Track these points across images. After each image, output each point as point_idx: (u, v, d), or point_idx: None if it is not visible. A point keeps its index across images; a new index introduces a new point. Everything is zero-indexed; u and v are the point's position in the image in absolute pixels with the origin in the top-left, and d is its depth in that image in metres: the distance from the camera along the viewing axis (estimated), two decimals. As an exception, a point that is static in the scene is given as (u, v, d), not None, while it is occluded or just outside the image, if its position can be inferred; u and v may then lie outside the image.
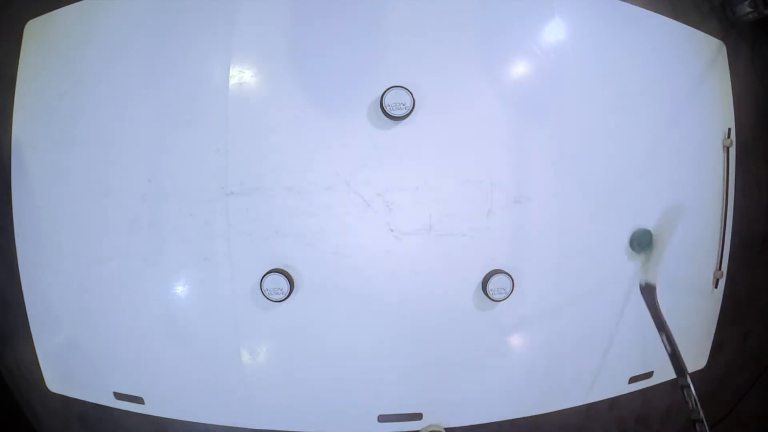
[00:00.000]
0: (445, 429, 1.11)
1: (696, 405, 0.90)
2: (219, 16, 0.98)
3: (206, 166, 0.98)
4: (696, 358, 1.27)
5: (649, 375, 1.21)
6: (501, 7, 1.01)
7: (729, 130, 1.19)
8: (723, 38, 1.19)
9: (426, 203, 1.01)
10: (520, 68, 1.02)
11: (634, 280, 1.13)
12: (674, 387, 1.26)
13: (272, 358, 1.05)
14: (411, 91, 0.94)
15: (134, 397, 1.11)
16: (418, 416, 1.11)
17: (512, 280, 1.02)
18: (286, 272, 0.99)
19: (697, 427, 0.87)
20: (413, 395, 1.10)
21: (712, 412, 1.34)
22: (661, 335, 1.01)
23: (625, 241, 1.11)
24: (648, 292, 1.08)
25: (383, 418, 1.10)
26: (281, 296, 0.98)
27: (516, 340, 1.10)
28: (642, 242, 1.09)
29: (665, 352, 0.99)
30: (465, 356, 1.09)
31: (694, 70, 1.15)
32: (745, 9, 1.17)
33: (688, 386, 0.93)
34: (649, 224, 1.11)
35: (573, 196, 1.05)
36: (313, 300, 1.02)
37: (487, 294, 1.02)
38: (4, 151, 1.06)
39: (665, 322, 1.01)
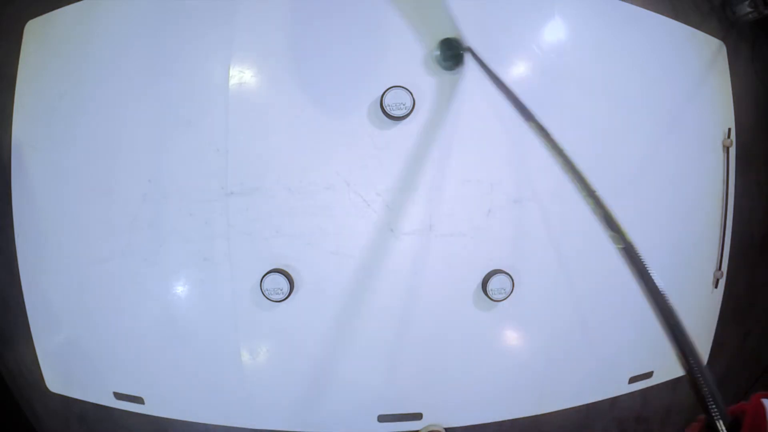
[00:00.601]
0: (445, 429, 1.11)
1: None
2: (219, 16, 0.98)
3: (206, 166, 0.98)
4: (696, 358, 1.27)
5: (649, 375, 1.21)
6: (501, 7, 1.01)
7: (729, 130, 1.19)
8: (723, 38, 1.19)
9: (426, 203, 1.01)
10: (520, 68, 1.02)
11: (633, 280, 1.13)
12: (674, 387, 1.26)
13: (272, 358, 1.05)
14: (411, 91, 0.94)
15: (134, 397, 1.10)
16: (418, 416, 1.11)
17: (512, 280, 1.02)
18: (286, 272, 0.99)
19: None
20: (413, 395, 1.10)
21: (712, 412, 1.34)
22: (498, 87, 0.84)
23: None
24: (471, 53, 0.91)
25: (383, 418, 1.10)
26: (281, 296, 0.98)
27: (516, 340, 1.09)
28: (450, 52, 0.95)
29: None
30: (465, 356, 1.09)
31: (694, 70, 1.15)
32: (745, 9, 1.17)
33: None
34: (646, 230, 1.12)
35: (573, 196, 1.04)
36: (313, 300, 1.02)
37: (487, 294, 1.02)
38: (4, 151, 1.06)
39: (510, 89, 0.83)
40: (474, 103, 1.00)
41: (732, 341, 1.31)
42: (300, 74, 0.98)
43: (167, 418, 1.12)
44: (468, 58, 0.94)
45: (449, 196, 1.01)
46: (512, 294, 1.02)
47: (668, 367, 1.23)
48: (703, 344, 1.27)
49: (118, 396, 1.11)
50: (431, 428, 1.10)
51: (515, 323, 1.08)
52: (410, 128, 0.99)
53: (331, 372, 1.07)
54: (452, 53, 0.96)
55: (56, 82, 1.02)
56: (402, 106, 0.94)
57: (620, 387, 1.20)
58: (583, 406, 1.18)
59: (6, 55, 1.05)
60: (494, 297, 1.02)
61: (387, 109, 0.94)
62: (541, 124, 0.76)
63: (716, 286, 1.23)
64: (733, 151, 1.20)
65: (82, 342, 1.09)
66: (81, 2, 1.02)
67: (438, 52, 0.97)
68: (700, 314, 1.24)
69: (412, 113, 0.96)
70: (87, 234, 1.03)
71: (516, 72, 1.02)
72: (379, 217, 1.00)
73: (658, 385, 1.23)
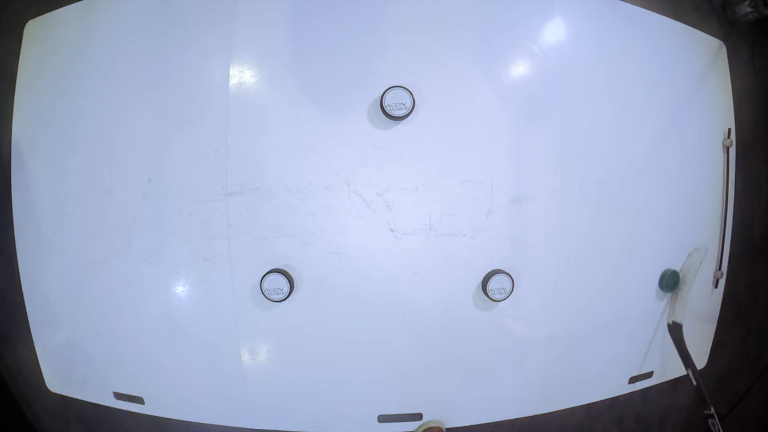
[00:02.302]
0: (446, 429, 1.11)
1: None
2: (219, 16, 0.98)
3: (206, 166, 0.98)
4: (696, 358, 1.26)
5: (649, 375, 1.21)
6: (501, 6, 1.01)
7: (729, 130, 1.19)
8: (723, 38, 1.19)
9: (426, 203, 1.01)
10: (520, 68, 1.02)
11: (634, 281, 1.13)
12: (674, 387, 1.26)
13: (272, 358, 1.05)
14: (411, 91, 0.94)
15: (134, 397, 1.11)
16: (418, 416, 1.11)
17: (512, 280, 1.02)
18: (286, 272, 0.99)
19: None
20: (413, 395, 1.10)
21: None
22: (687, 370, 1.07)
23: (625, 241, 1.11)
24: (675, 330, 1.10)
25: (383, 418, 1.10)
26: (281, 296, 0.98)
27: (516, 341, 1.09)
28: (670, 283, 1.12)
29: (690, 383, 1.06)
30: (465, 356, 1.09)
31: (694, 70, 1.15)
32: (745, 9, 1.17)
33: (713, 416, 0.98)
34: (650, 226, 1.12)
35: (573, 195, 1.05)
36: (313, 300, 1.02)
37: (487, 294, 1.02)
38: (4, 151, 1.06)
39: (691, 358, 1.07)
40: (474, 103, 1.00)
41: (732, 341, 1.32)
42: (300, 74, 0.98)
43: (167, 418, 1.12)
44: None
45: (449, 196, 1.01)
46: (512, 294, 1.02)
47: (668, 367, 1.23)
48: (703, 344, 1.27)
49: (118, 396, 1.11)
50: (430, 424, 1.10)
51: (515, 323, 1.08)
52: (410, 128, 0.99)
53: (331, 372, 1.07)
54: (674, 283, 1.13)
55: (56, 82, 1.02)
56: (402, 106, 0.94)
57: (620, 387, 1.20)
58: (583, 406, 1.19)
59: (6, 55, 1.05)
60: (494, 297, 1.02)
61: (387, 109, 0.94)
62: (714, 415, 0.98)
63: (716, 286, 1.23)
64: (733, 151, 1.20)
65: (82, 342, 1.10)
66: (81, 2, 1.02)
67: (668, 281, 1.12)
68: (700, 314, 1.24)
69: (412, 113, 0.96)
70: (87, 234, 1.03)
71: (516, 72, 1.02)
72: (379, 217, 1.00)
73: (658, 385, 1.23)
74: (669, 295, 1.15)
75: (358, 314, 1.04)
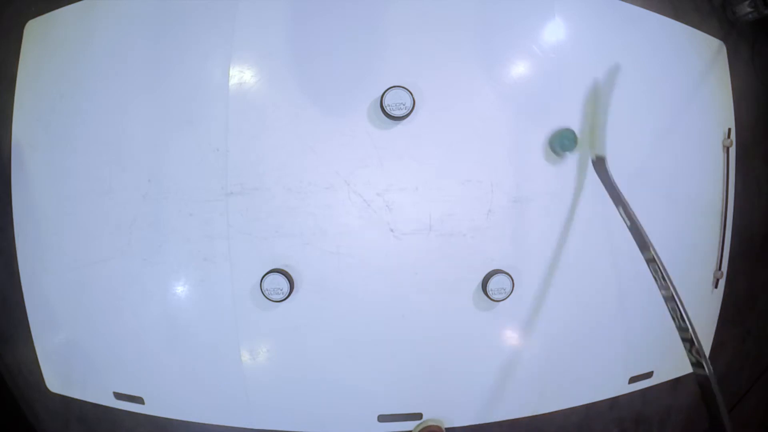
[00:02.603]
0: (446, 429, 1.11)
1: (683, 319, 0.78)
2: (219, 16, 0.98)
3: (206, 166, 0.98)
4: (696, 358, 1.27)
5: (649, 375, 1.21)
6: (501, 6, 1.01)
7: (729, 130, 1.19)
8: (723, 38, 1.19)
9: (426, 203, 1.01)
10: (520, 68, 1.02)
11: (633, 280, 1.13)
12: (674, 387, 1.26)
13: (272, 358, 1.05)
14: (411, 91, 0.94)
15: (134, 397, 1.11)
16: (418, 416, 1.11)
17: (512, 280, 1.02)
18: (286, 272, 0.99)
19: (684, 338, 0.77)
20: (413, 395, 1.10)
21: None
22: (618, 208, 0.93)
23: (625, 241, 1.11)
24: (599, 165, 1.00)
25: (383, 418, 1.10)
26: (281, 296, 0.98)
27: (516, 340, 1.09)
28: (566, 142, 1.01)
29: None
30: (465, 356, 1.09)
31: (694, 70, 1.15)
32: (745, 9, 1.17)
33: (653, 260, 0.84)
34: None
35: (573, 195, 1.05)
36: (313, 300, 1.02)
37: (487, 294, 1.02)
38: (4, 151, 1.06)
39: (621, 194, 0.94)
40: (474, 103, 1.00)
41: (732, 341, 1.31)
42: (300, 74, 0.98)
43: (167, 418, 1.12)
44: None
45: (449, 196, 1.01)
46: (512, 294, 1.02)
47: (668, 367, 1.23)
48: (703, 344, 1.26)
49: (118, 396, 1.11)
50: (429, 423, 1.10)
51: (515, 323, 1.08)
52: (410, 128, 0.99)
53: (331, 372, 1.07)
54: (569, 142, 1.01)
55: (56, 82, 1.02)
56: (402, 106, 0.94)
57: (620, 387, 1.20)
58: (583, 406, 1.18)
59: (6, 55, 1.05)
60: (494, 297, 1.02)
61: (387, 109, 0.94)
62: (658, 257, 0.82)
63: (716, 286, 1.23)
64: (733, 151, 1.20)
65: (82, 342, 1.09)
66: (81, 2, 1.02)
67: (559, 139, 1.01)
68: (700, 314, 1.24)
69: (412, 113, 0.96)
70: (87, 234, 1.03)
71: (516, 72, 1.02)
72: (379, 217, 1.00)
73: (658, 385, 1.22)
74: (589, 121, 1.02)
75: (358, 314, 1.04)
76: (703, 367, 0.66)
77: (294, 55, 0.98)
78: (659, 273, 0.81)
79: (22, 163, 1.05)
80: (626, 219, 0.91)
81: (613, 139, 1.07)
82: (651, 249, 0.84)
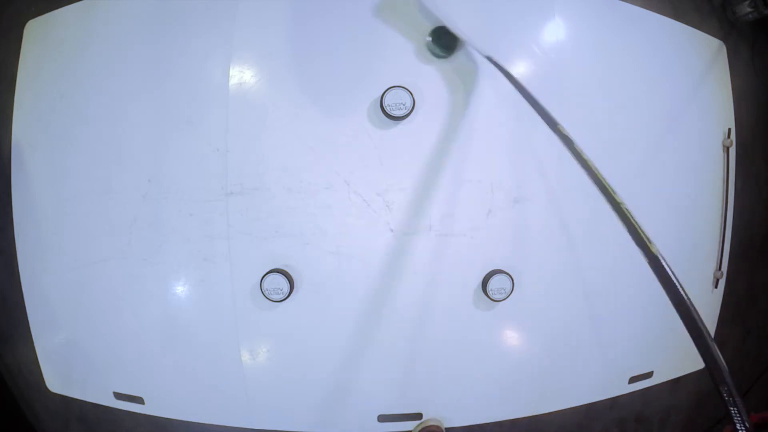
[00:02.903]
0: (446, 429, 1.11)
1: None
2: (219, 16, 0.98)
3: (206, 166, 0.98)
4: (696, 358, 1.26)
5: (649, 375, 1.21)
6: (501, 6, 1.01)
7: (729, 130, 1.19)
8: (723, 38, 1.19)
9: (426, 203, 1.01)
10: (520, 68, 1.02)
11: (633, 280, 1.13)
12: (674, 387, 1.26)
13: (272, 358, 1.05)
14: (411, 91, 0.94)
15: (134, 397, 1.10)
16: (418, 416, 1.11)
17: (512, 280, 1.02)
18: (286, 272, 0.99)
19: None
20: (413, 395, 1.10)
21: (712, 412, 1.34)
22: (523, 94, 0.87)
23: (625, 241, 1.11)
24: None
25: (383, 418, 1.10)
26: (281, 296, 0.98)
27: (516, 340, 1.09)
28: (445, 41, 0.96)
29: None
30: (465, 356, 1.09)
31: (694, 70, 1.15)
32: (745, 9, 1.17)
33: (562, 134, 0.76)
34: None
35: (573, 196, 1.05)
36: (312, 300, 1.02)
37: (487, 294, 1.02)
38: (4, 151, 1.06)
39: (521, 84, 0.87)
40: (474, 103, 1.00)
41: (732, 341, 1.32)
42: (300, 74, 0.98)
43: (167, 418, 1.12)
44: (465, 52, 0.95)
45: (449, 196, 1.01)
46: (512, 294, 1.02)
47: (668, 367, 1.23)
48: (703, 344, 1.27)
49: (118, 396, 1.11)
50: (429, 423, 1.10)
51: (515, 323, 1.08)
52: (410, 128, 0.99)
53: (331, 372, 1.07)
54: (446, 41, 0.96)
55: (56, 82, 1.02)
56: (402, 106, 0.94)
57: (620, 387, 1.20)
58: (583, 406, 1.18)
59: (6, 55, 1.05)
60: (494, 297, 1.02)
61: (387, 109, 0.94)
62: (566, 132, 0.76)
63: (716, 286, 1.23)
64: (733, 151, 1.20)
65: (82, 342, 1.09)
66: (81, 2, 1.02)
67: (430, 39, 0.97)
68: (701, 314, 1.24)
69: (412, 113, 0.96)
70: (87, 234, 1.03)
71: (516, 72, 1.02)
72: (378, 217, 1.00)
73: (658, 385, 1.22)
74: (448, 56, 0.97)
75: (358, 314, 1.04)
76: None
77: (294, 55, 0.98)
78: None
79: (22, 163, 1.05)
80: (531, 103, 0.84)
81: (614, 139, 1.07)
82: (557, 124, 0.77)
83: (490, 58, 0.92)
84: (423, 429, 1.09)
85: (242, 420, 1.10)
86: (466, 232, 1.02)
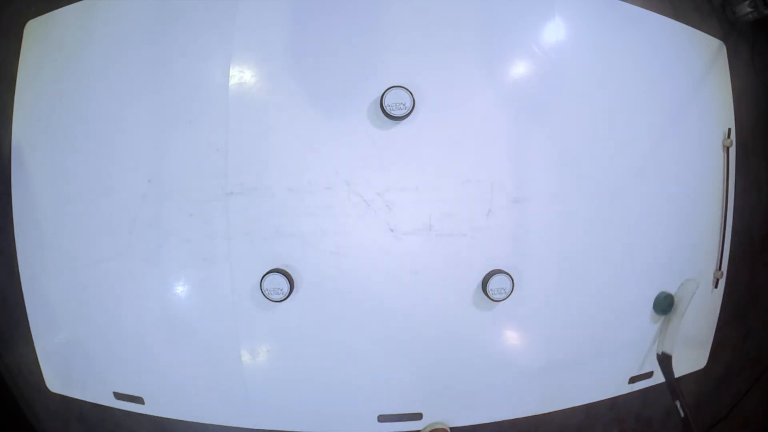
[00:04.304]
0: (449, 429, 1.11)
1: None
2: (219, 16, 0.98)
3: (206, 166, 0.98)
4: (696, 358, 1.27)
5: (649, 375, 1.21)
6: (501, 6, 1.01)
7: (729, 130, 1.19)
8: (723, 38, 1.19)
9: (426, 203, 1.01)
10: (520, 68, 1.02)
11: (634, 280, 1.13)
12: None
13: (272, 358, 1.05)
14: (411, 91, 0.94)
15: (134, 397, 1.11)
16: (418, 416, 1.11)
17: (512, 280, 1.02)
18: (286, 272, 0.99)
19: None
20: (413, 395, 1.10)
21: (712, 412, 1.34)
22: (675, 402, 1.07)
23: (625, 241, 1.11)
24: (664, 361, 1.10)
25: (383, 418, 1.10)
26: (281, 296, 0.98)
27: (516, 340, 1.09)
28: (664, 306, 1.12)
29: (678, 414, 1.03)
30: (465, 356, 1.09)
31: (694, 70, 1.15)
32: (745, 9, 1.17)
33: None
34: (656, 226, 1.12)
35: (573, 196, 1.05)
36: (312, 300, 1.02)
37: (487, 294, 1.02)
38: (4, 151, 1.06)
39: (680, 389, 1.06)
40: (474, 103, 1.00)
41: (732, 341, 1.31)
42: (300, 74, 0.98)
43: (167, 418, 1.12)
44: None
45: (449, 196, 1.01)
46: (512, 294, 1.02)
47: (668, 367, 1.23)
48: (703, 344, 1.27)
49: (118, 396, 1.11)
50: (436, 426, 1.10)
51: (515, 323, 1.08)
52: (410, 128, 0.99)
53: (331, 372, 1.07)
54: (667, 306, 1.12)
55: (56, 82, 1.02)
56: (402, 106, 0.94)
57: (620, 387, 1.20)
58: (583, 406, 1.18)
59: (6, 55, 1.05)
60: (494, 297, 1.02)
61: (387, 109, 0.94)
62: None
63: (716, 286, 1.23)
64: (733, 151, 1.20)
65: (82, 342, 1.10)
66: (81, 2, 1.02)
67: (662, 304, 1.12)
68: (700, 314, 1.24)
69: (412, 113, 0.96)
70: (87, 234, 1.03)
71: (516, 72, 1.02)
72: (379, 217, 1.00)
73: (658, 385, 1.22)
74: (662, 319, 1.14)
75: (358, 314, 1.04)
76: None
77: (294, 55, 0.98)
78: None
79: (22, 163, 1.05)
80: (681, 411, 1.04)
81: (613, 139, 1.07)
82: None
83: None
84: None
85: (242, 420, 1.10)
86: (466, 232, 1.02)
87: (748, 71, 1.24)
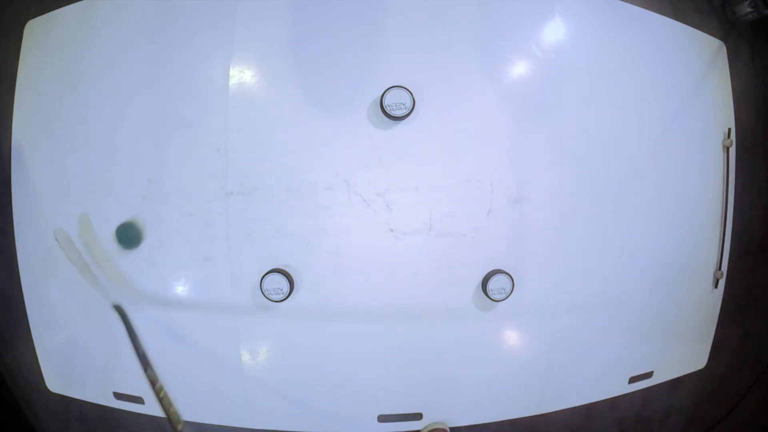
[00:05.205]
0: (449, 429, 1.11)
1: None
2: (219, 16, 0.98)
3: (206, 166, 0.98)
4: (696, 358, 1.27)
5: (649, 375, 1.21)
6: (501, 7, 1.01)
7: (729, 130, 1.19)
8: (723, 38, 1.19)
9: (426, 203, 1.01)
10: (520, 68, 1.02)
11: (634, 280, 1.13)
12: (674, 387, 1.26)
13: (272, 358, 1.05)
14: (411, 91, 0.94)
15: (134, 397, 1.11)
16: (418, 416, 1.11)
17: (512, 280, 1.02)
18: (286, 272, 0.99)
19: None
20: (413, 395, 1.10)
21: (712, 412, 1.34)
22: (136, 352, 0.98)
23: (625, 241, 1.11)
24: (122, 312, 1.00)
25: (383, 418, 1.10)
26: (281, 296, 0.98)
27: (516, 340, 1.10)
28: (129, 236, 1.00)
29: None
30: (465, 356, 1.09)
31: (694, 70, 1.15)
32: (745, 9, 1.17)
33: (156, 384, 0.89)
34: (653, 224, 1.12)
35: (573, 195, 1.05)
36: (313, 300, 1.02)
37: (487, 294, 1.02)
38: (4, 151, 1.06)
39: (139, 341, 0.98)
40: (474, 103, 1.00)
41: (732, 341, 1.31)
42: (300, 74, 0.98)
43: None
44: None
45: (449, 196, 1.01)
46: (512, 294, 1.02)
47: (668, 367, 1.23)
48: (703, 344, 1.27)
49: (118, 396, 1.11)
50: (435, 426, 1.10)
51: (515, 323, 1.08)
52: (410, 128, 0.99)
53: (331, 372, 1.07)
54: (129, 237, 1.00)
55: (56, 82, 1.02)
56: (402, 106, 0.94)
57: (620, 387, 1.20)
58: (583, 406, 1.19)
59: (6, 55, 1.05)
60: (494, 297, 1.02)
61: (387, 109, 0.94)
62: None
63: (716, 286, 1.23)
64: (733, 151, 1.20)
65: (82, 342, 1.10)
66: (81, 2, 1.02)
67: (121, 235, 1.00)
68: (700, 314, 1.24)
69: (412, 113, 0.96)
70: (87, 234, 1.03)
71: (516, 72, 1.02)
72: (379, 217, 1.00)
73: (658, 385, 1.23)
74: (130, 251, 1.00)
75: (358, 314, 1.04)
76: None
77: (294, 55, 0.98)
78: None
79: (22, 163, 1.05)
80: (143, 368, 0.96)
81: (613, 139, 1.07)
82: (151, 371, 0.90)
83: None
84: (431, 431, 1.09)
85: (242, 420, 1.10)
86: (466, 232, 1.02)
87: (748, 71, 1.24)
